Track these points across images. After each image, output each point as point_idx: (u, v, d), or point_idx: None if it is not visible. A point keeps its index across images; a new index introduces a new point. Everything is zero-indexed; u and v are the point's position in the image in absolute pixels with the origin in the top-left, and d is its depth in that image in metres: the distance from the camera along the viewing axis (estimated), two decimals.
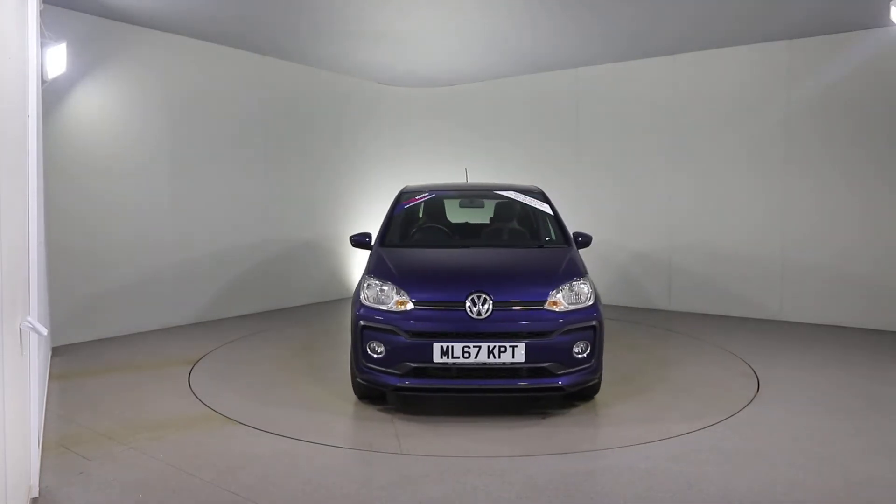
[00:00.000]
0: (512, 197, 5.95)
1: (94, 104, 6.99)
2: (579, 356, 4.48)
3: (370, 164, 10.44)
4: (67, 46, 6.06)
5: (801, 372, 5.79)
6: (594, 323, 4.55)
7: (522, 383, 4.41)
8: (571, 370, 4.45)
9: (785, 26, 7.38)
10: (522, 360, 4.34)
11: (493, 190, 6.28)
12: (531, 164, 9.90)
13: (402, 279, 4.69)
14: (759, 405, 4.86)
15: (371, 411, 4.76)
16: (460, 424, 4.48)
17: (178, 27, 7.38)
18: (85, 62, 6.83)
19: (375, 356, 4.50)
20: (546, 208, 5.80)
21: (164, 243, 7.64)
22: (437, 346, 4.33)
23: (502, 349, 4.33)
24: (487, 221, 6.34)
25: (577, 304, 4.57)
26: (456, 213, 6.60)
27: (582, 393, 4.83)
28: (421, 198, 6.20)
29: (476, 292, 4.45)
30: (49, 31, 5.72)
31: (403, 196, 6.05)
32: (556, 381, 4.41)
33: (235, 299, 8.44)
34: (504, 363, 4.34)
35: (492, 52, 8.55)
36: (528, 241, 5.81)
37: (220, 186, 8.24)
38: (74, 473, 3.66)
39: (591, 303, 4.63)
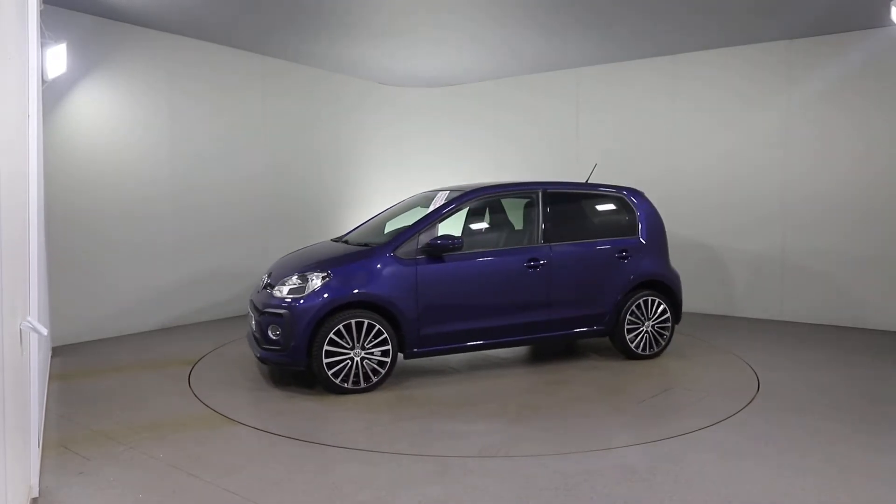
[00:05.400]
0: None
1: (94, 104, 6.99)
2: (273, 338, 5.17)
3: (370, 164, 10.44)
4: (67, 46, 6.06)
5: (801, 372, 5.79)
6: (281, 312, 5.12)
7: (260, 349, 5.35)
8: (266, 348, 5.21)
9: (785, 26, 7.38)
10: (255, 329, 5.36)
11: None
12: (531, 165, 9.90)
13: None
14: (759, 405, 4.86)
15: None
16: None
17: (178, 27, 7.38)
18: (85, 62, 6.83)
19: None
20: (445, 209, 5.67)
21: (163, 243, 7.64)
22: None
23: (251, 318, 5.54)
24: None
25: (296, 293, 5.18)
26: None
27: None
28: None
29: (269, 274, 5.72)
30: (49, 31, 5.72)
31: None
32: (260, 352, 5.30)
33: (236, 299, 8.44)
34: (254, 329, 5.43)
35: (492, 52, 8.55)
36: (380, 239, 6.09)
37: (219, 185, 8.24)
38: (74, 473, 3.66)
39: (300, 295, 5.13)
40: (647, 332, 6.22)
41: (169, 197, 7.67)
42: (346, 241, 6.17)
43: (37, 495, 3.34)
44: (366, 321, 5.13)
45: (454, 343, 5.56)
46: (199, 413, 4.72)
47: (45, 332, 2.92)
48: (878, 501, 3.33)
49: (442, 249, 5.41)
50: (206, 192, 8.09)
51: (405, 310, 5.28)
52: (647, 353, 6.24)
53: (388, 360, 5.24)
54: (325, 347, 5.03)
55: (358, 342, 5.12)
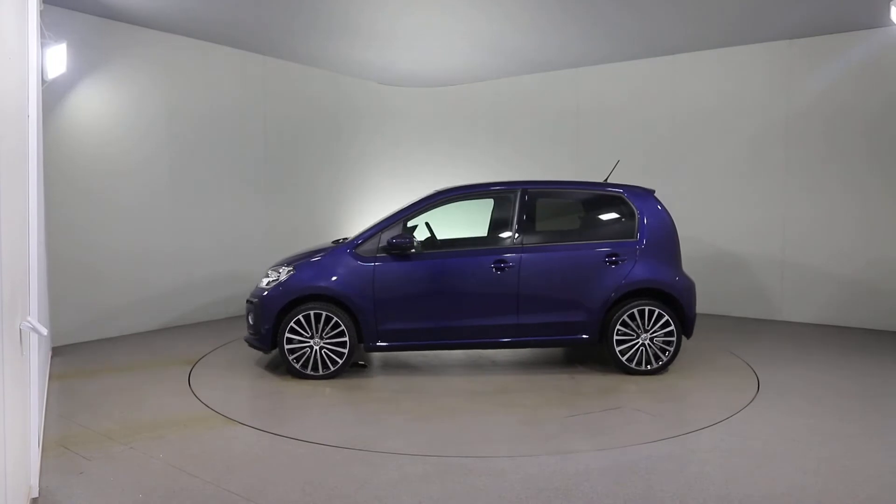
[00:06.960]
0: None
1: (94, 104, 6.99)
2: (251, 323, 5.76)
3: (370, 163, 10.44)
4: (67, 46, 6.07)
5: (801, 372, 5.79)
6: (255, 301, 5.70)
7: None
8: (250, 332, 5.80)
9: (785, 26, 7.38)
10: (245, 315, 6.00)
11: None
12: (531, 164, 9.90)
13: None
14: (759, 405, 4.86)
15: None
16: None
17: (178, 27, 7.39)
18: (85, 62, 6.83)
19: None
20: (410, 209, 5.83)
21: (163, 242, 7.64)
22: None
23: None
24: None
25: (270, 285, 5.69)
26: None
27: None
28: None
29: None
30: (49, 31, 5.72)
31: None
32: (246, 335, 5.93)
33: (236, 299, 8.44)
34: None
35: (492, 52, 8.55)
36: None
37: (219, 186, 8.24)
38: (74, 473, 3.66)
39: (271, 287, 5.64)
40: (644, 345, 5.60)
41: (168, 195, 7.67)
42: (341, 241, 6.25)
43: (37, 495, 3.33)
44: (324, 313, 5.47)
45: (416, 340, 5.64)
46: (199, 413, 4.72)
47: (45, 332, 2.92)
48: (878, 501, 3.33)
49: (394, 249, 5.55)
50: (206, 191, 8.09)
51: (361, 305, 5.52)
52: (646, 368, 5.60)
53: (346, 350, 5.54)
54: (287, 335, 5.47)
55: (317, 332, 5.48)
